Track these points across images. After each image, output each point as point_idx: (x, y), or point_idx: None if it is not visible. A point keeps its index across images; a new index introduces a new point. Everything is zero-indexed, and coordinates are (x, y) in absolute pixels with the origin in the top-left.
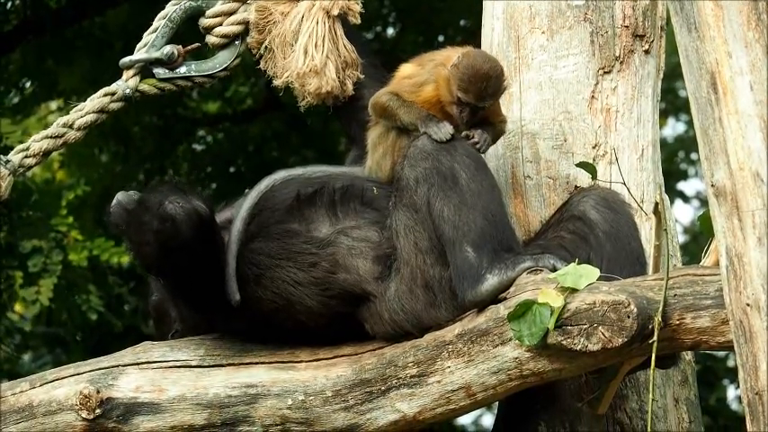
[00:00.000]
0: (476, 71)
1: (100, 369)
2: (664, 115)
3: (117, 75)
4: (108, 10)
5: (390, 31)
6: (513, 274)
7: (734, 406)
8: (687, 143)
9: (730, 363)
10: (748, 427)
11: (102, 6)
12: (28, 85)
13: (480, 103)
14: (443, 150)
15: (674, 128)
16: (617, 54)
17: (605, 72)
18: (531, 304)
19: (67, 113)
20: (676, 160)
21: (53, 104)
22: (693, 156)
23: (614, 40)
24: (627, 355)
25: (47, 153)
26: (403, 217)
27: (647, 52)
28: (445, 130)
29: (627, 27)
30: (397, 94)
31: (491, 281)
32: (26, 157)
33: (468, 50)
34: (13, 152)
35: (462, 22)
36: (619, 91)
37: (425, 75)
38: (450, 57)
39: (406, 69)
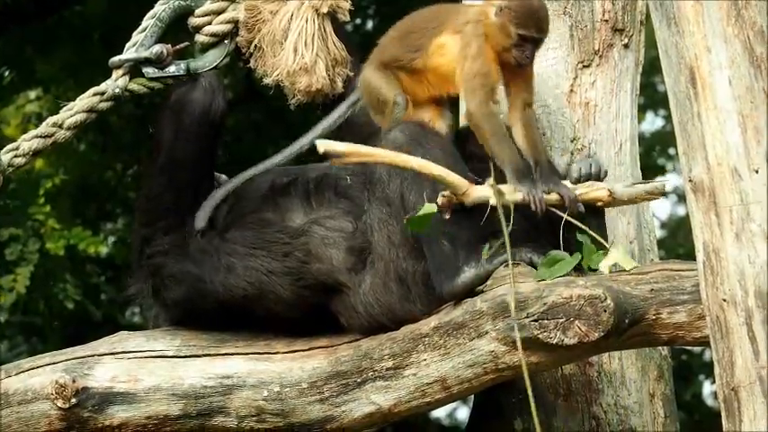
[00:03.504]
0: (532, 5)
1: (76, 358)
2: (642, 110)
3: (96, 65)
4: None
5: (369, 24)
6: (490, 267)
7: (709, 401)
8: (665, 138)
9: (706, 358)
10: (724, 423)
11: None
12: (6, 74)
13: (542, 34)
14: (415, 143)
15: (652, 123)
16: (596, 48)
17: (584, 66)
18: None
19: (46, 103)
20: (654, 155)
21: (32, 94)
22: (671, 151)
23: (593, 35)
24: (604, 349)
25: (36, 152)
26: (376, 211)
27: (626, 47)
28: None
29: (606, 21)
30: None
31: (468, 273)
32: (16, 156)
33: None
34: (2, 151)
35: None
36: (598, 85)
37: (474, 39)
38: (484, 11)
39: (446, 45)
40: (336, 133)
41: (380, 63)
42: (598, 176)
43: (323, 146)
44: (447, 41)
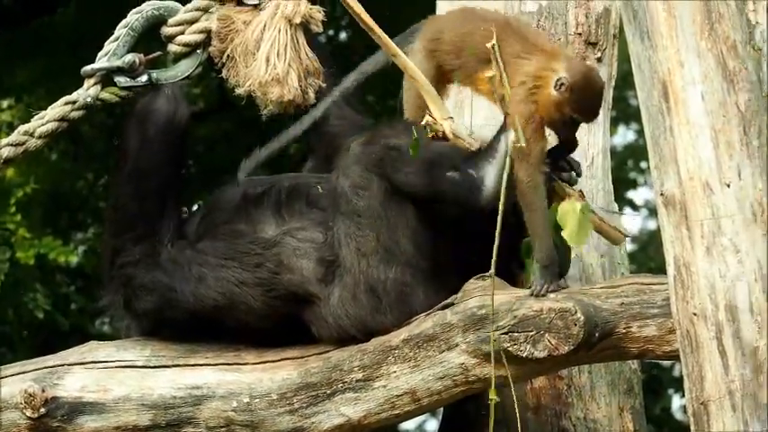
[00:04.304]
0: (594, 91)
1: (45, 368)
2: (614, 123)
3: (69, 74)
4: (58, 9)
5: (343, 35)
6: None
7: (679, 416)
8: (637, 152)
9: (676, 372)
10: None
11: (54, 6)
12: None
13: (595, 118)
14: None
15: (624, 136)
16: None
17: None
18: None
19: (18, 111)
20: (626, 168)
21: (4, 103)
22: (643, 164)
23: (567, 48)
24: (574, 362)
25: (8, 161)
26: (342, 225)
27: (599, 60)
28: None
29: (579, 34)
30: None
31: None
32: None
33: (572, 65)
34: None
35: None
36: None
37: (526, 105)
38: (543, 75)
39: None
40: (306, 141)
41: (427, 51)
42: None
43: None
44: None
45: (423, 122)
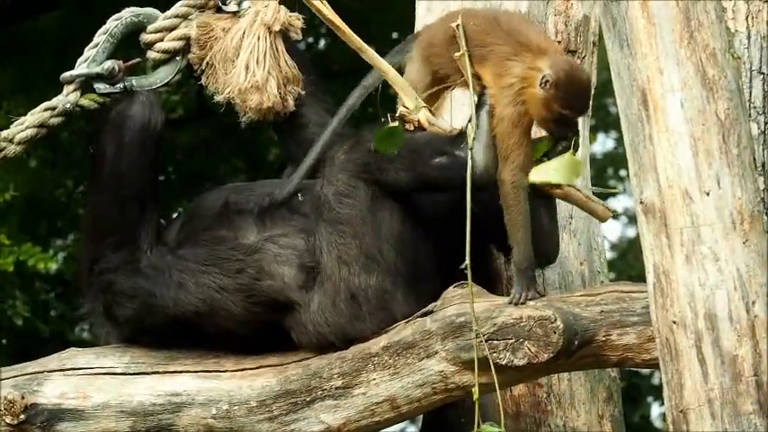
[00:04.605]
0: (579, 86)
1: (25, 375)
2: (594, 131)
3: (48, 80)
4: (40, 15)
5: (322, 42)
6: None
7: (658, 423)
8: (616, 159)
9: (655, 380)
10: None
11: (35, 11)
12: None
13: (585, 112)
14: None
15: (603, 144)
16: None
17: None
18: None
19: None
20: (605, 176)
21: None
22: (622, 172)
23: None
24: (553, 370)
25: None
26: (325, 233)
27: None
28: None
29: (559, 42)
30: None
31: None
32: None
33: (555, 62)
34: None
35: (394, 35)
36: None
37: (514, 106)
38: (529, 75)
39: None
40: (285, 148)
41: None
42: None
43: None
44: (486, 79)
45: (397, 114)
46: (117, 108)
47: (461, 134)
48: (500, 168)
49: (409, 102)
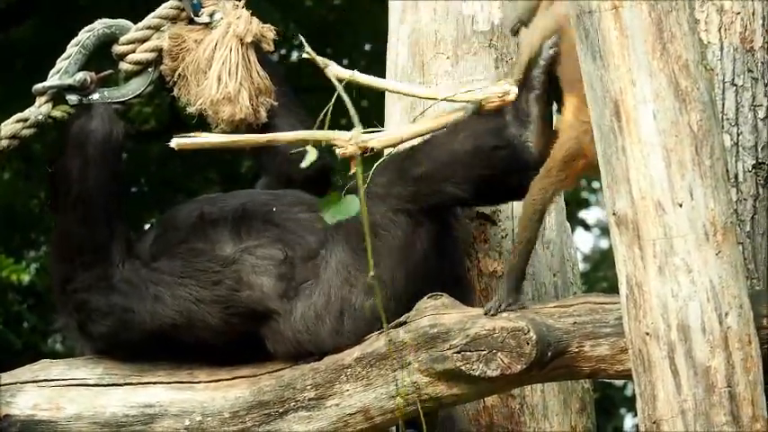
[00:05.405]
0: None
1: None
2: None
3: (20, 92)
4: (12, 28)
5: (294, 55)
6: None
7: None
8: None
9: (628, 392)
10: None
11: (7, 24)
12: None
13: None
14: None
15: None
16: None
17: None
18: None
19: None
20: (578, 188)
21: None
22: (595, 184)
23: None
24: (526, 381)
25: None
26: (341, 254)
27: None
28: None
29: None
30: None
31: None
32: None
33: None
34: None
35: (367, 47)
36: None
37: (572, 143)
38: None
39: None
40: (258, 158)
41: None
42: None
43: (175, 143)
44: (568, 101)
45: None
46: (76, 124)
47: (508, 120)
48: (534, 182)
49: (333, 136)
